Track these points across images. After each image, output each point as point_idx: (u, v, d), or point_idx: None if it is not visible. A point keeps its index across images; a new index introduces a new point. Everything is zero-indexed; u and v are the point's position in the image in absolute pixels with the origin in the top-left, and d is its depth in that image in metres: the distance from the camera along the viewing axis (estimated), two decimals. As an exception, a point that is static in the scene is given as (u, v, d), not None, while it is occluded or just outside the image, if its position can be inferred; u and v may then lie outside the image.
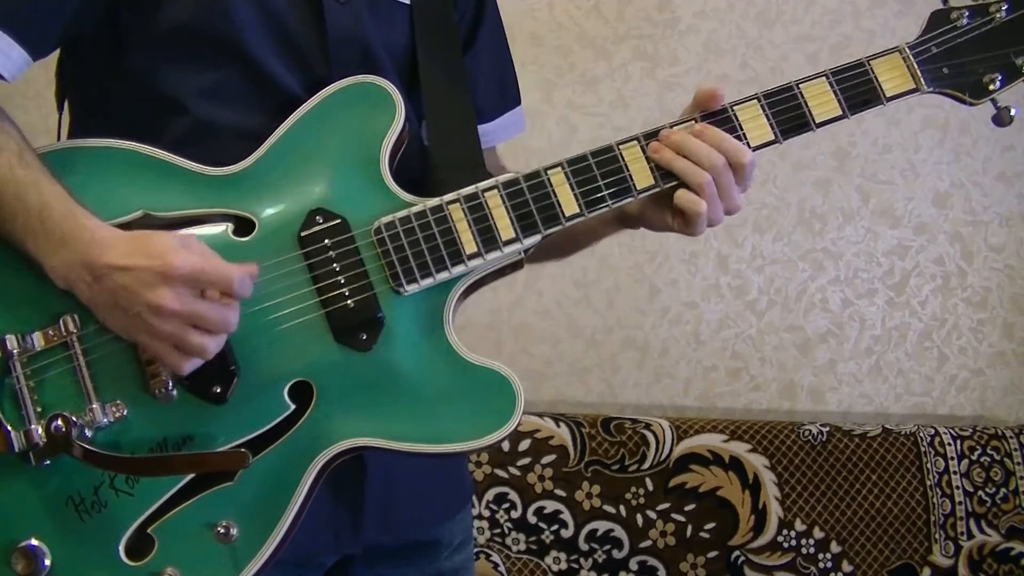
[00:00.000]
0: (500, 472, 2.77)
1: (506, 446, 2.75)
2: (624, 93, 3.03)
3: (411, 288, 1.26)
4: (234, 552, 1.19)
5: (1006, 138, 3.02)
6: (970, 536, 2.79)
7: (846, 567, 2.78)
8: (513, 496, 2.77)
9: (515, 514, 2.77)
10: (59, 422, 1.18)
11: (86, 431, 1.19)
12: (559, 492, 2.78)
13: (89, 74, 1.36)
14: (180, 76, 1.30)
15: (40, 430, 1.19)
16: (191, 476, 1.20)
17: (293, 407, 1.23)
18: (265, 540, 1.20)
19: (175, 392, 1.21)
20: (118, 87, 1.33)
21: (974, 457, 2.82)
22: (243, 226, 1.27)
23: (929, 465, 2.81)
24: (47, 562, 1.18)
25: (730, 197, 1.31)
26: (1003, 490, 2.80)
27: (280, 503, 1.21)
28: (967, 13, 1.33)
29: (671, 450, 2.80)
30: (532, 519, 2.77)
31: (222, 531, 1.19)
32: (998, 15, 1.33)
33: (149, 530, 1.19)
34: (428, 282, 1.27)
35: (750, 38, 3.02)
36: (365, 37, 1.37)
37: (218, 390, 1.21)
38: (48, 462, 1.20)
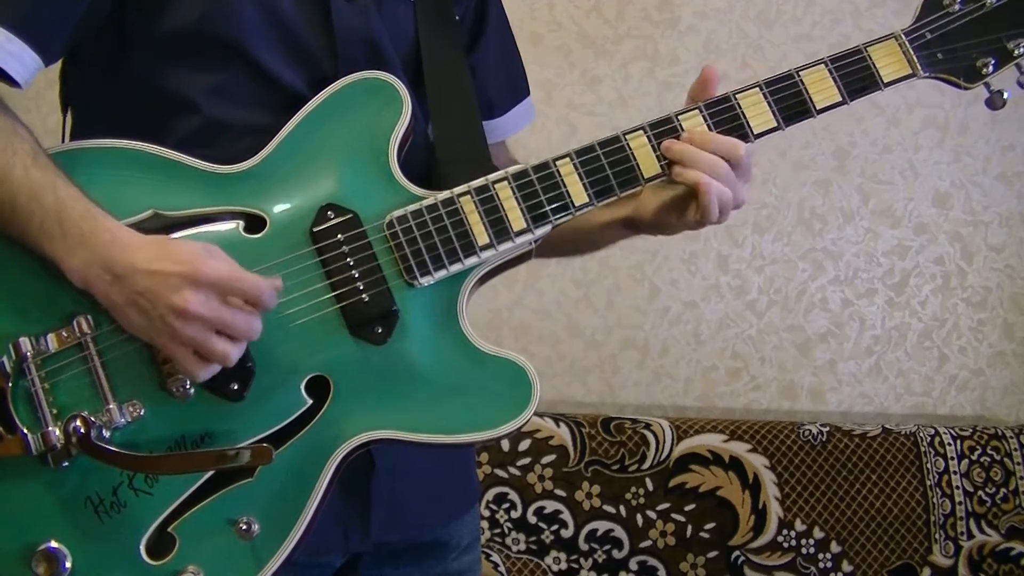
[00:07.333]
0: (500, 472, 2.76)
1: (506, 446, 2.75)
2: (624, 93, 3.03)
3: (425, 281, 1.27)
4: (255, 548, 1.19)
5: (1006, 138, 3.03)
6: (970, 536, 2.79)
7: (846, 567, 2.78)
8: (513, 496, 2.77)
9: (515, 514, 2.77)
10: (77, 423, 1.17)
11: (104, 431, 1.19)
12: (559, 492, 2.77)
13: (94, 77, 1.35)
14: (186, 76, 1.29)
15: (57, 432, 1.18)
16: (210, 474, 1.20)
17: (310, 402, 1.23)
18: (286, 536, 1.20)
19: (192, 390, 1.20)
20: (123, 89, 1.32)
21: (974, 457, 2.82)
22: (254, 223, 1.26)
23: (929, 465, 2.81)
24: (68, 564, 1.18)
25: (736, 190, 1.33)
26: (1003, 490, 2.80)
27: (300, 498, 1.21)
28: (959, -1, 1.35)
29: (671, 450, 2.80)
30: (532, 519, 2.77)
31: (243, 528, 1.19)
32: (989, 0, 1.35)
33: (170, 529, 1.19)
34: (441, 274, 1.28)
35: (750, 38, 3.02)
36: (373, 34, 1.37)
37: (235, 387, 1.21)
38: (66, 464, 1.19)
